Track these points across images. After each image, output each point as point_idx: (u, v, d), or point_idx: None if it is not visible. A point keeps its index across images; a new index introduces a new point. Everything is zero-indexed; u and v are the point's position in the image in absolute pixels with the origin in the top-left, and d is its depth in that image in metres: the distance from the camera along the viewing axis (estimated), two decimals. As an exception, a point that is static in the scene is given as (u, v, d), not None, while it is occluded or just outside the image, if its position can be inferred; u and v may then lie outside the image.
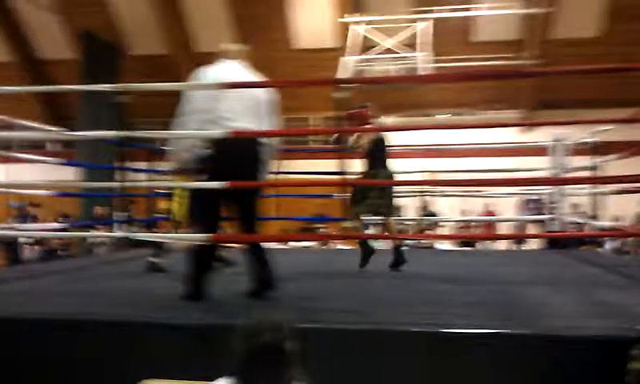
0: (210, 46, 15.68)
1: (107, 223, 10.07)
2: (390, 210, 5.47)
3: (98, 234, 8.37)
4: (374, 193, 5.27)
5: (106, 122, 12.78)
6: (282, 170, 8.33)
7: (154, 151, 8.81)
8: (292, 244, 8.31)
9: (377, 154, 5.38)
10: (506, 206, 12.11)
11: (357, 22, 13.68)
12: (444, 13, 13.55)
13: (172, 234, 7.44)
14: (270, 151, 4.08)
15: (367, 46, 14.04)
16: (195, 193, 4.27)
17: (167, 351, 3.11)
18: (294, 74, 14.63)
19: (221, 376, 2.09)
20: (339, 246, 8.34)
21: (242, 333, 2.05)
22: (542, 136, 8.98)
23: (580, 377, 2.82)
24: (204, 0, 15.26)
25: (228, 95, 3.85)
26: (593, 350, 2.83)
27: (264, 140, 3.99)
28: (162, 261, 5.42)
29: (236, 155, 3.81)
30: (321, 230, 9.68)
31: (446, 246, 9.19)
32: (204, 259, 3.89)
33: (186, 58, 15.67)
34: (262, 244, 3.95)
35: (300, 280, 4.80)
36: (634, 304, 3.54)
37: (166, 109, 16.39)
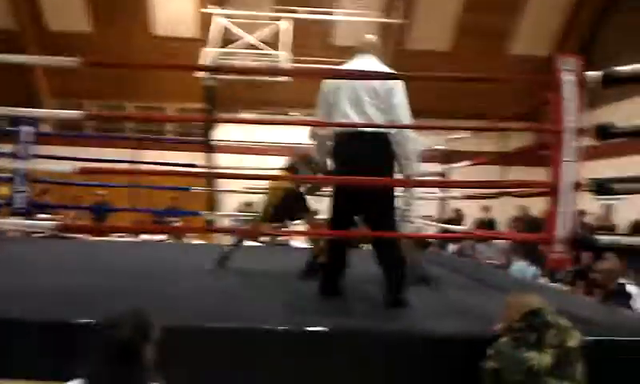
0: (62, 25, 14.82)
1: None
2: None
3: None
4: None
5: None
6: (135, 160, 8.13)
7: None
8: (144, 237, 8.03)
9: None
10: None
11: (219, 14, 13.52)
12: (304, 14, 13.78)
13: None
14: (402, 148, 3.74)
15: (228, 39, 13.93)
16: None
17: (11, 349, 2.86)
18: (152, 61, 14.18)
19: (74, 376, 1.99)
20: (194, 241, 8.20)
21: (101, 329, 1.97)
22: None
23: (437, 374, 2.96)
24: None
25: (344, 89, 3.66)
26: (450, 348, 2.97)
27: (390, 136, 3.70)
28: (231, 256, 5.05)
29: (349, 153, 3.67)
30: (174, 223, 9.43)
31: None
32: (336, 257, 3.82)
33: (35, 36, 14.64)
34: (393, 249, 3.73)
35: (159, 276, 4.60)
36: (483, 304, 3.78)
37: (11, 87, 15.12)
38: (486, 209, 11.63)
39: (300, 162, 5.03)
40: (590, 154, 4.09)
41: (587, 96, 3.73)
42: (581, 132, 3.55)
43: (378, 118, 3.65)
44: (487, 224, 11.34)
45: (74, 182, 8.62)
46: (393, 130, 3.71)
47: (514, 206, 11.02)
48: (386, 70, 3.85)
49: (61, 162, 6.84)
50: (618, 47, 13.16)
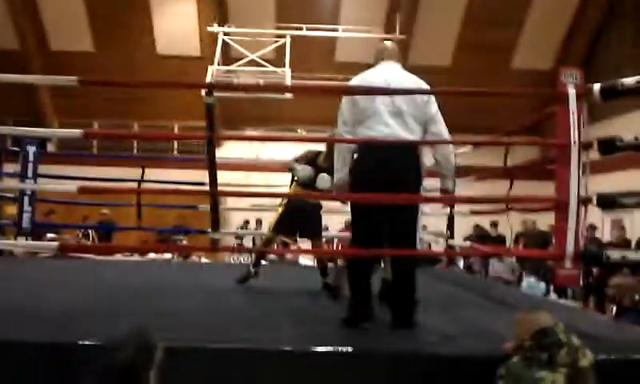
0: (66, 45, 14.88)
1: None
2: None
3: None
4: None
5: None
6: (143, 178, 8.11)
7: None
8: (152, 255, 8.01)
9: None
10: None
11: (223, 33, 13.58)
12: (307, 31, 13.83)
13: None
14: (444, 162, 3.68)
15: (232, 57, 13.98)
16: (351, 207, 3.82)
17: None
18: (154, 80, 14.22)
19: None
20: (203, 259, 8.19)
21: (102, 350, 1.93)
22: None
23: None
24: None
25: (381, 98, 3.51)
26: (460, 369, 2.91)
27: (419, 150, 3.64)
28: (254, 272, 5.04)
29: (378, 166, 3.50)
30: (182, 241, 9.38)
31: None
32: (358, 278, 3.60)
33: (39, 57, 14.75)
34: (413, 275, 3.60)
35: (163, 295, 4.54)
36: (493, 323, 3.72)
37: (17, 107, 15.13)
38: (495, 224, 11.54)
39: (300, 160, 5.00)
40: (597, 168, 4.04)
41: (592, 109, 3.71)
42: (587, 146, 3.51)
43: (417, 129, 3.56)
44: (497, 240, 11.25)
45: (79, 201, 8.61)
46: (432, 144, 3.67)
47: (521, 221, 10.94)
48: (411, 76, 3.72)
49: (65, 181, 6.84)
50: (619, 60, 13.15)
